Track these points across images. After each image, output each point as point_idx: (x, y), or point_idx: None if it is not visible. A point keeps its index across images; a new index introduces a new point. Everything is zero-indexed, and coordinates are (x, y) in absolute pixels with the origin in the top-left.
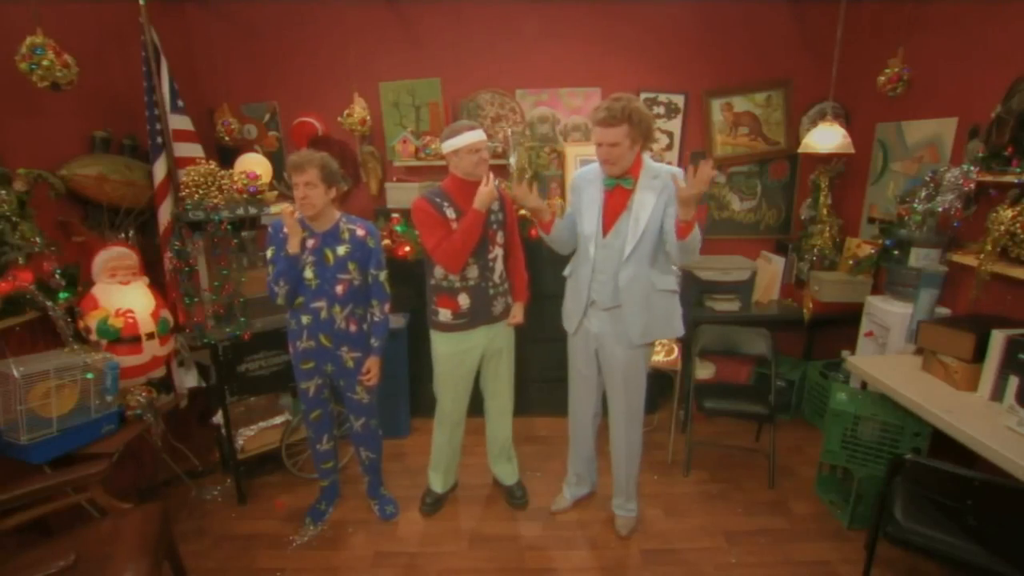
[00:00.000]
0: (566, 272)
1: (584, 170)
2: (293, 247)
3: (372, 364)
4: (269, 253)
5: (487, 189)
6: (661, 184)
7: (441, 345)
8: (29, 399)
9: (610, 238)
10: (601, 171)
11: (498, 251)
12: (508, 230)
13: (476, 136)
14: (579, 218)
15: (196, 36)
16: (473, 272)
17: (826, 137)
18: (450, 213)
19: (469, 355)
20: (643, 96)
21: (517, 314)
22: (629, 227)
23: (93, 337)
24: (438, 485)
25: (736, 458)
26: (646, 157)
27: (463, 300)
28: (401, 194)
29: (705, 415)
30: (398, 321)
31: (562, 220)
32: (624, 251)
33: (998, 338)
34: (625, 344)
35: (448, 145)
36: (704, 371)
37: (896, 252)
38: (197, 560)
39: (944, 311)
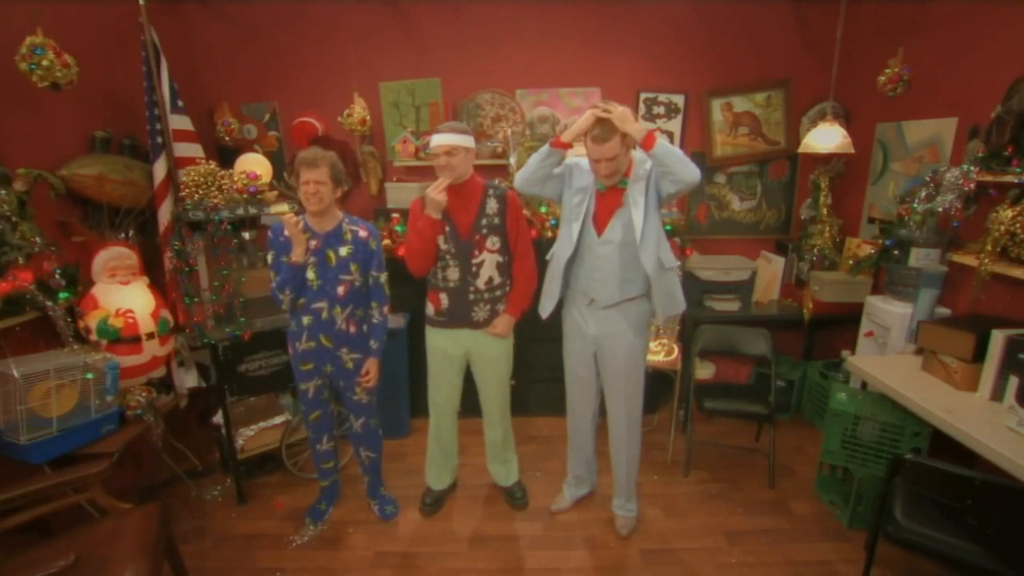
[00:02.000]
0: (548, 256)
1: (582, 161)
2: (298, 255)
3: (371, 366)
4: (270, 258)
5: (434, 195)
6: (644, 171)
7: (428, 337)
8: (29, 399)
9: (606, 235)
10: (592, 174)
11: (486, 257)
12: (511, 237)
13: (442, 139)
14: (567, 210)
15: (196, 36)
16: (454, 274)
17: (826, 137)
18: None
19: (450, 353)
20: (643, 96)
21: (497, 324)
22: (633, 218)
23: (93, 337)
24: (430, 480)
25: (736, 458)
26: (632, 152)
27: (443, 299)
28: (401, 194)
29: (705, 415)
30: (398, 321)
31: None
32: (636, 240)
33: (998, 338)
34: (627, 341)
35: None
36: (704, 371)
37: (896, 252)
38: (197, 560)
39: (944, 311)
